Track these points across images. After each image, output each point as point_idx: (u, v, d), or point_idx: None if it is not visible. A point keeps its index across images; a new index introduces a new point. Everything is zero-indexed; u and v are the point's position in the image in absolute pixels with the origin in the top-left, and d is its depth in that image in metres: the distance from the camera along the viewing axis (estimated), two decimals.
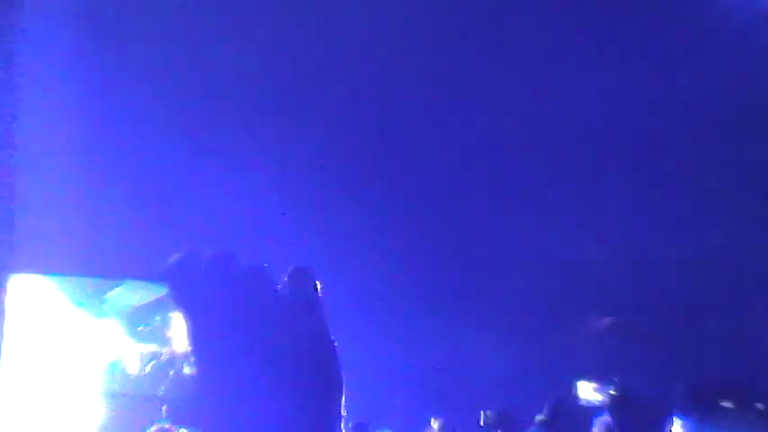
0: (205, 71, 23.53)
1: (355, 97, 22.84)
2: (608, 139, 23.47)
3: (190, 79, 23.17)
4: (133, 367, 9.99)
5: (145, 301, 11.88)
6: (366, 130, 23.36)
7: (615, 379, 11.50)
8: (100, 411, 6.10)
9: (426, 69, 22.86)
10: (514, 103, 23.03)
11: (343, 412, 2.44)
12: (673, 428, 11.00)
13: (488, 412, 16.14)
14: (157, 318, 11.14)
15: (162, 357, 9.57)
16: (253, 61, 23.20)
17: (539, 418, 12.63)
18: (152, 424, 8.53)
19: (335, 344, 2.47)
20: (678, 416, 11.22)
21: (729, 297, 23.57)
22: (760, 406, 11.80)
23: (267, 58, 23.22)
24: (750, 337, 22.42)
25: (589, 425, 11.16)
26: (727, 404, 12.90)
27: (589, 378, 13.38)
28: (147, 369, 11.76)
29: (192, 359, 2.08)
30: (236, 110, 22.87)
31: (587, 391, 13.80)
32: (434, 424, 16.26)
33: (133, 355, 11.94)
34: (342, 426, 2.43)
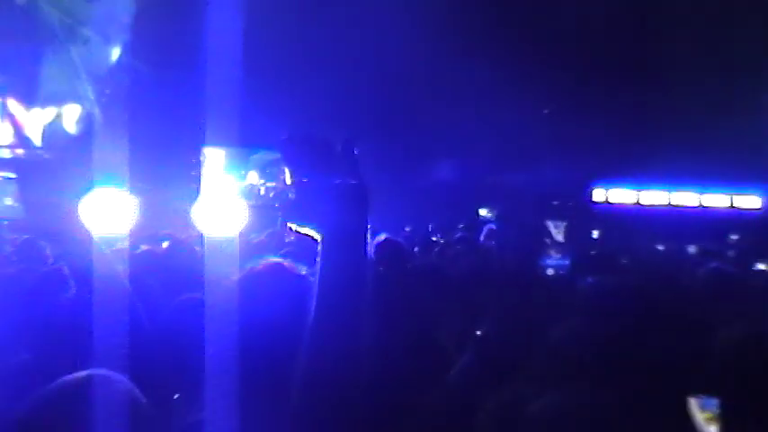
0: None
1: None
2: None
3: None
4: (263, 191, 10.27)
5: (270, 158, 12.36)
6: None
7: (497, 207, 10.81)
8: (246, 214, 6.11)
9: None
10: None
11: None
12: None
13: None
14: (276, 168, 11.45)
15: (278, 187, 9.88)
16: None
17: (459, 226, 10.81)
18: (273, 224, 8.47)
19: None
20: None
21: None
22: None
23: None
24: None
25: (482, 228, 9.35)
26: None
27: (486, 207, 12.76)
28: (271, 194, 12.22)
29: (293, 189, 2.19)
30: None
31: (485, 213, 13.28)
32: (407, 228, 12.37)
33: (263, 186, 12.40)
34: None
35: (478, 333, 2.78)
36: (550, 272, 4.81)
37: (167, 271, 4.52)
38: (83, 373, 1.99)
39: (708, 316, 3.24)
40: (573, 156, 13.54)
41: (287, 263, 2.66)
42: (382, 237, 5.48)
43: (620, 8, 17.72)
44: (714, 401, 2.47)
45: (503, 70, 17.49)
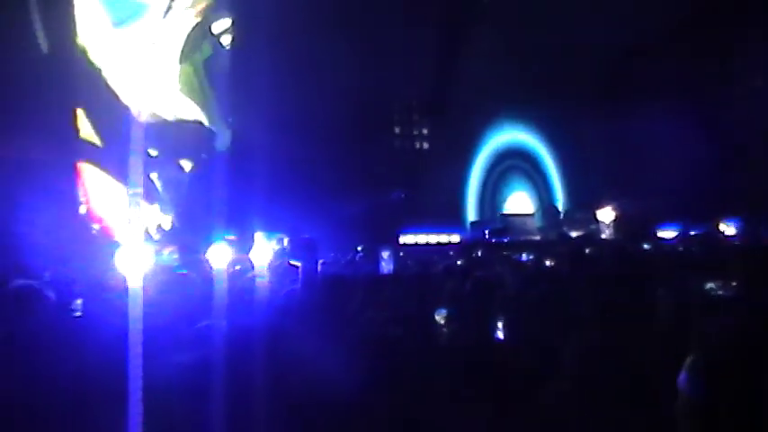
0: None
1: None
2: None
3: None
4: (277, 248, 8.81)
5: (279, 236, 9.92)
6: None
7: (362, 246, 8.86)
8: (270, 256, 5.47)
9: None
10: None
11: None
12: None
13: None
14: (281, 239, 9.69)
15: (282, 247, 8.40)
16: None
17: (348, 255, 8.24)
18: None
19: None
20: None
21: None
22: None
23: None
24: None
25: (357, 255, 8.05)
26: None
27: (359, 246, 9.20)
28: (279, 249, 9.73)
29: (289, 246, 2.16)
30: None
31: (359, 249, 9.23)
32: (331, 254, 8.09)
33: (277, 246, 9.82)
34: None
35: (358, 298, 2.75)
36: (385, 271, 4.82)
37: (241, 278, 4.36)
38: (206, 321, 1.78)
39: (443, 281, 3.20)
40: (389, 220, 12.39)
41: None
42: (321, 260, 5.40)
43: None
44: (443, 311, 2.39)
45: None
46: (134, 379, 1.37)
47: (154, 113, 9.68)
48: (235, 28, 9.86)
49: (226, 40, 9.88)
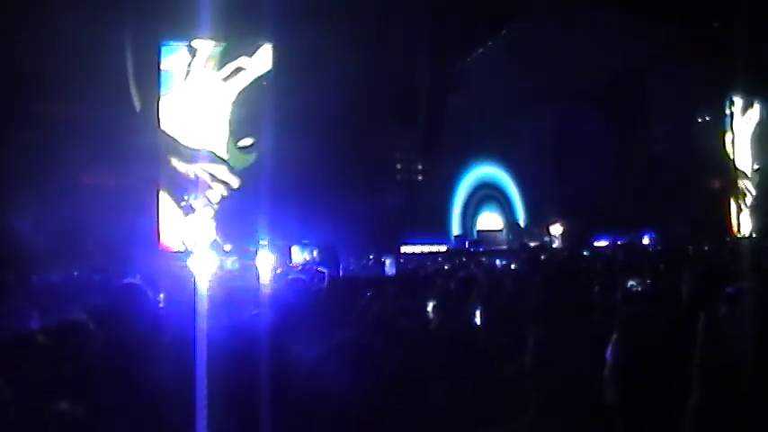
0: None
1: None
2: None
3: None
4: (308, 257, 6.83)
5: (302, 245, 7.39)
6: None
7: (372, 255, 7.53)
8: (302, 262, 5.00)
9: None
10: None
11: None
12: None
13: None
14: (310, 250, 7.35)
15: (311, 258, 6.51)
16: None
17: (363, 261, 7.28)
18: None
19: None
20: None
21: None
22: None
23: None
24: None
25: (370, 262, 7.52)
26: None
27: (370, 255, 7.75)
28: (309, 258, 6.87)
29: (318, 256, 2.02)
30: None
31: (370, 257, 7.64)
32: (351, 260, 6.44)
33: (308, 256, 7.26)
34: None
35: (368, 294, 2.65)
36: (390, 273, 4.73)
37: (281, 279, 4.15)
38: (258, 310, 1.64)
39: (433, 280, 3.07)
40: (393, 234, 11.54)
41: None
42: (342, 266, 5.14)
43: None
44: (433, 302, 2.28)
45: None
46: (201, 352, 1.33)
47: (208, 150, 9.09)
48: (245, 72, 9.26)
49: (234, 84, 9.22)
